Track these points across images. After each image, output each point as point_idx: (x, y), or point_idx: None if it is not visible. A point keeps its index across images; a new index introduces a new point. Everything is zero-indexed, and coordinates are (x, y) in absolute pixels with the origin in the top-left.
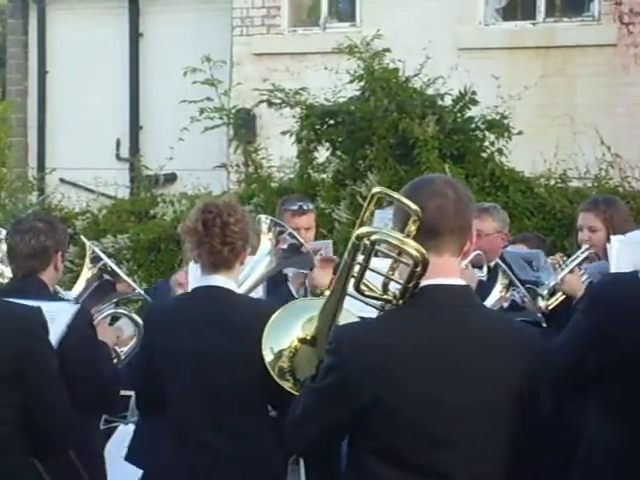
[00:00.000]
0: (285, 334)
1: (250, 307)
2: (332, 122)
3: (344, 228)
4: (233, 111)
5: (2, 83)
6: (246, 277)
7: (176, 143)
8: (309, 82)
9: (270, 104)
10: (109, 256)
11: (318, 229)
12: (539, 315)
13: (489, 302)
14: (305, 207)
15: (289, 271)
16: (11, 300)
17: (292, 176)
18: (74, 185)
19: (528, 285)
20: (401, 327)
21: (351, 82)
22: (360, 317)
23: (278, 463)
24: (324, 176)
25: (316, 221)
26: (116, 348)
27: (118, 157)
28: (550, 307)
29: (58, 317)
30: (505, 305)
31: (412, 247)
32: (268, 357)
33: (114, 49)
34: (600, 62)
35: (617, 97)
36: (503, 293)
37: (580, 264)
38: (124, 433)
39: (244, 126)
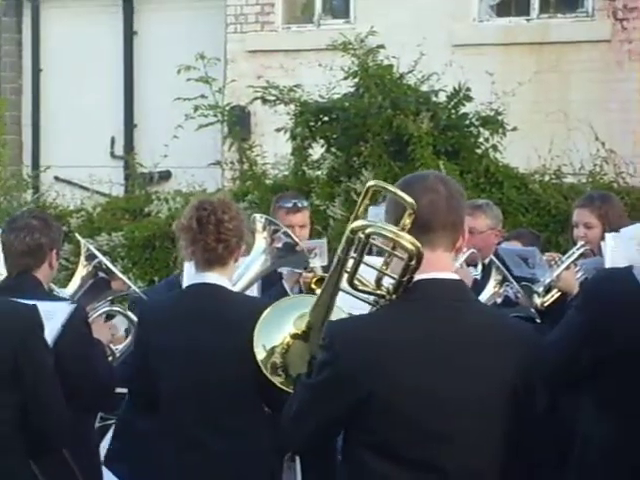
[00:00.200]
0: (277, 330)
1: (243, 304)
2: (326, 119)
3: (339, 225)
4: (227, 108)
5: None
6: (241, 276)
7: (170, 141)
8: (303, 79)
9: (264, 101)
10: (104, 254)
11: (313, 226)
12: (532, 311)
13: (483, 297)
14: (299, 205)
15: (284, 269)
16: (7, 298)
17: (287, 173)
18: (69, 183)
19: (523, 282)
20: (395, 322)
21: (345, 79)
22: (350, 314)
23: (272, 460)
24: (319, 173)
25: (311, 218)
26: (111, 346)
27: (113, 155)
28: (546, 304)
29: (54, 316)
30: (499, 301)
31: (407, 240)
32: (260, 354)
33: (108, 47)
34: (594, 58)
35: (611, 93)
36: (497, 289)
37: (575, 261)
38: None
39: (238, 123)
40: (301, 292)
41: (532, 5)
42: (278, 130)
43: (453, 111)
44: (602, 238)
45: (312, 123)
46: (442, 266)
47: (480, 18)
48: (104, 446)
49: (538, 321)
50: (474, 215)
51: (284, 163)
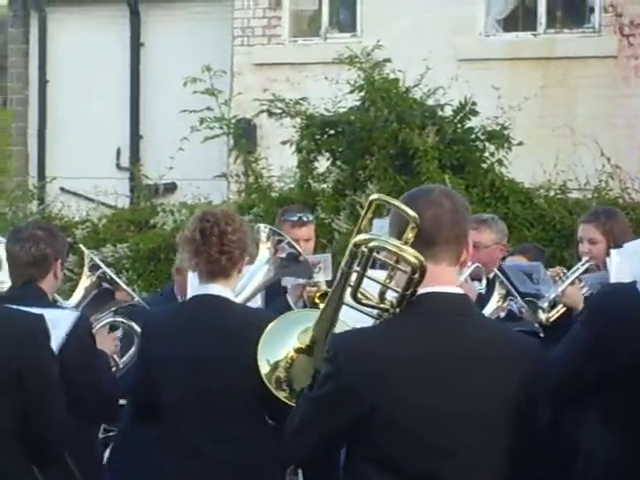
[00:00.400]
0: (281, 345)
1: (245, 315)
2: (332, 132)
3: (344, 238)
4: (233, 121)
5: (3, 92)
6: (244, 286)
7: (176, 153)
8: (309, 92)
9: (270, 114)
10: (108, 265)
11: (318, 239)
12: (536, 325)
13: (486, 312)
14: (305, 218)
15: (288, 283)
16: (12, 307)
17: (292, 186)
18: (74, 194)
19: (528, 298)
20: (398, 335)
21: (351, 92)
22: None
23: (273, 470)
24: (324, 186)
25: (316, 231)
26: (115, 357)
27: (118, 166)
28: (551, 319)
29: (59, 324)
30: (502, 315)
31: (410, 254)
32: (264, 369)
33: (115, 58)
34: (601, 74)
35: (617, 109)
36: (500, 303)
37: (580, 276)
38: None
39: (244, 136)
40: (305, 306)
41: (539, 20)
42: (284, 143)
43: (459, 125)
44: (607, 253)
45: (318, 136)
46: (446, 280)
47: (487, 33)
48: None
49: (542, 335)
50: (479, 229)
51: (290, 176)
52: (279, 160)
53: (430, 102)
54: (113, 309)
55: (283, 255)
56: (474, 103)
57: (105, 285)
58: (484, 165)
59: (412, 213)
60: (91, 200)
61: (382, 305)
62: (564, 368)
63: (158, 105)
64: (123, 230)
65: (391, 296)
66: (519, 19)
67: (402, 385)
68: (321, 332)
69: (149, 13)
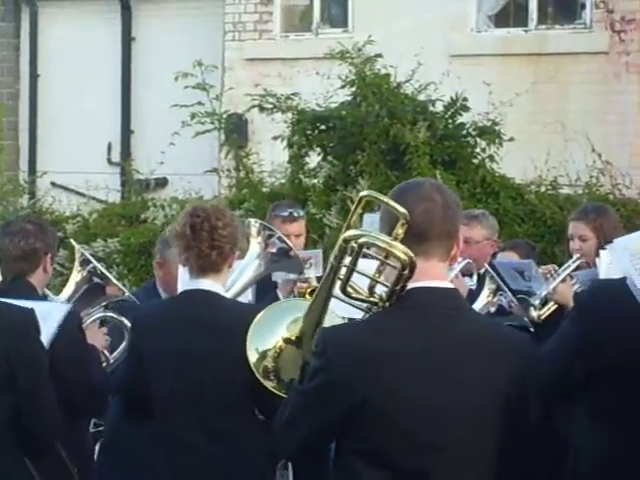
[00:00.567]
0: (270, 334)
1: (236, 310)
2: (323, 127)
3: (335, 233)
4: (224, 116)
5: None
6: (234, 281)
7: (167, 147)
8: (301, 87)
9: (262, 109)
10: (99, 260)
11: (309, 234)
12: (526, 320)
13: (476, 307)
14: (296, 214)
15: (278, 278)
16: (2, 300)
17: (283, 181)
18: (65, 189)
19: (520, 295)
20: (387, 330)
21: (343, 87)
22: (344, 317)
23: (264, 465)
24: (315, 181)
25: (307, 227)
26: (105, 352)
27: (109, 161)
28: (542, 317)
29: (50, 317)
30: (492, 310)
31: (400, 250)
32: (252, 357)
33: (106, 53)
34: (592, 70)
35: (608, 105)
36: (490, 298)
37: (571, 273)
38: None
39: (235, 131)
40: None
41: (530, 16)
42: (275, 138)
43: (450, 121)
44: (598, 250)
45: (309, 131)
46: (436, 275)
47: (478, 28)
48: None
49: (532, 330)
50: (470, 225)
51: (281, 171)
52: (270, 155)
53: (421, 98)
54: (104, 304)
55: (274, 250)
56: (465, 99)
57: (96, 280)
58: (475, 161)
59: (402, 210)
60: (82, 195)
61: (371, 299)
62: (554, 364)
63: (149, 100)
64: (114, 225)
65: (380, 290)
66: (510, 15)
67: (393, 379)
68: (310, 325)
69: (140, 8)
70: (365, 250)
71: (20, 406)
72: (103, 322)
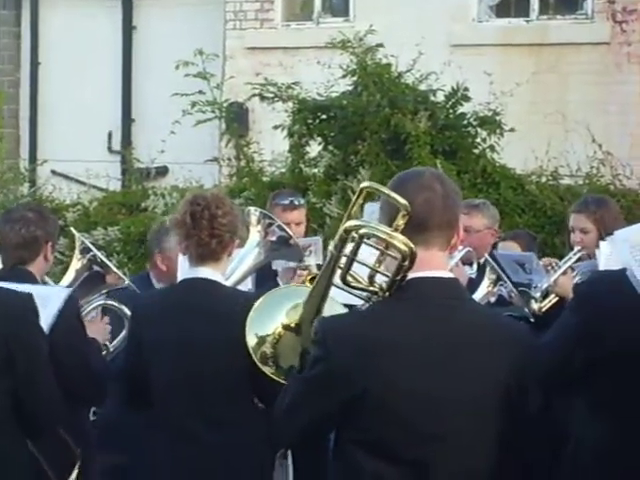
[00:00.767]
0: (269, 320)
1: (235, 298)
2: (324, 117)
3: (335, 223)
4: (225, 105)
5: None
6: (234, 269)
7: (168, 136)
8: (302, 76)
9: (262, 98)
10: (99, 248)
11: (309, 224)
12: (526, 310)
13: (476, 297)
14: (296, 202)
15: (278, 266)
16: (0, 286)
17: (284, 170)
18: (65, 177)
19: (521, 288)
20: (388, 320)
21: (344, 77)
22: (345, 305)
23: (263, 453)
24: (316, 171)
25: (307, 216)
26: (107, 342)
27: (110, 149)
28: (543, 309)
29: (49, 302)
30: (492, 300)
31: (400, 241)
32: (251, 341)
33: (107, 41)
34: (593, 60)
35: (610, 95)
36: (490, 288)
37: (572, 265)
38: None
39: (236, 120)
40: None
41: (531, 6)
42: (276, 127)
43: (451, 111)
44: (598, 242)
45: (310, 121)
46: (436, 265)
47: (479, 18)
48: None
49: (532, 320)
50: (471, 214)
51: (281, 160)
52: (271, 144)
53: (422, 87)
54: (104, 292)
55: (273, 238)
56: (466, 89)
57: (96, 268)
58: (476, 151)
59: (403, 201)
60: (82, 183)
61: (371, 288)
62: (554, 354)
63: (150, 88)
64: (114, 213)
65: (380, 279)
66: (512, 5)
67: (393, 369)
68: (309, 312)
69: None
70: (365, 240)
71: (19, 390)
72: (104, 310)
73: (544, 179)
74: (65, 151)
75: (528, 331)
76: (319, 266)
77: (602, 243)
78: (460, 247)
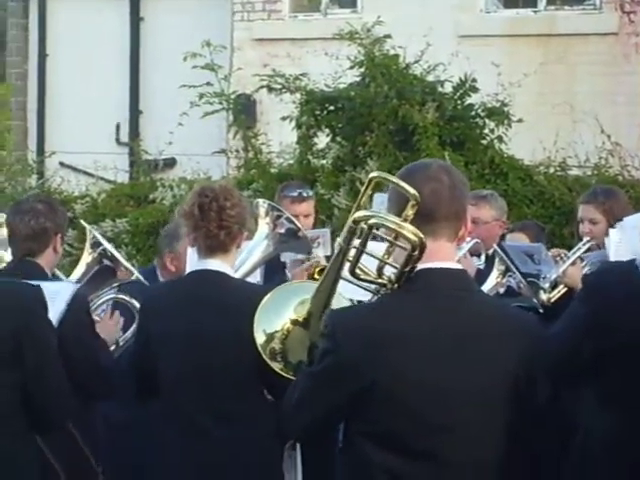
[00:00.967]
0: (277, 316)
1: (244, 290)
2: (332, 108)
3: (343, 214)
4: (233, 96)
5: (2, 66)
6: (243, 261)
7: (176, 128)
8: (309, 68)
9: (270, 89)
10: (108, 240)
11: (317, 215)
12: (535, 301)
13: (485, 288)
14: (305, 194)
15: (287, 258)
16: (10, 279)
17: (292, 162)
18: (74, 169)
19: (530, 278)
20: (396, 311)
21: (351, 68)
22: (352, 300)
23: (272, 447)
24: (324, 162)
25: (315, 207)
26: (118, 339)
27: (118, 141)
28: (552, 300)
29: (58, 296)
30: (501, 291)
31: (410, 231)
32: (260, 338)
33: (115, 33)
34: (601, 51)
35: (618, 86)
36: (499, 279)
37: (581, 256)
38: None
39: (244, 111)
40: None
41: None
42: (283, 119)
43: (459, 102)
44: (607, 233)
45: (318, 112)
46: (444, 256)
47: (487, 9)
48: None
49: (541, 311)
50: (478, 205)
51: (289, 152)
52: (279, 136)
53: (430, 78)
54: (115, 286)
55: (282, 230)
56: (474, 80)
57: (106, 262)
58: (484, 142)
59: (412, 191)
60: (90, 175)
61: (380, 280)
62: (563, 344)
63: (158, 80)
64: (122, 205)
65: (389, 271)
66: None
67: (402, 361)
68: (318, 305)
69: None
70: (374, 231)
71: (28, 384)
72: (115, 304)
73: (552, 170)
74: (73, 143)
75: (537, 322)
76: (327, 258)
77: (611, 230)
78: (468, 238)
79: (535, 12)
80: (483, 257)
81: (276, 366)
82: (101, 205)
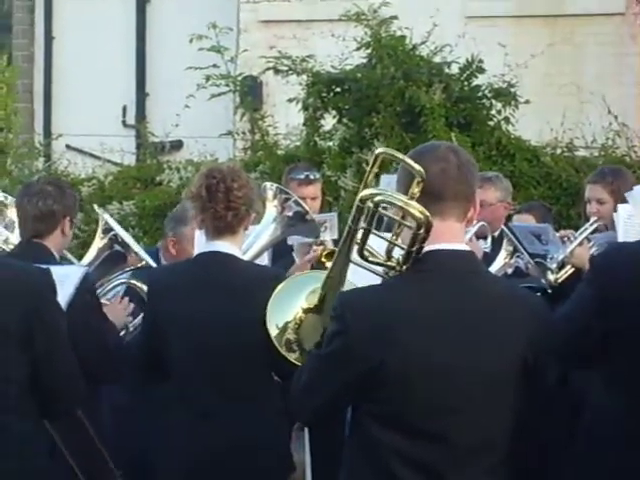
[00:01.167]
0: (289, 307)
1: (252, 272)
2: (339, 90)
3: (350, 196)
4: (239, 78)
5: (8, 49)
6: (251, 244)
7: (182, 110)
8: (316, 49)
9: (277, 71)
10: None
11: (324, 197)
12: (543, 281)
13: (493, 268)
14: (312, 176)
15: (294, 241)
16: (19, 262)
17: (298, 144)
18: (80, 151)
19: (537, 259)
20: (405, 292)
21: (358, 49)
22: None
23: (280, 428)
24: (330, 144)
25: (322, 189)
26: (128, 324)
27: (124, 124)
28: (559, 280)
29: (67, 280)
30: (509, 271)
31: (416, 209)
32: (273, 331)
33: (121, 15)
34: (608, 31)
35: (625, 66)
36: (507, 259)
37: (589, 236)
38: None
39: (250, 93)
40: (312, 267)
41: None
42: (290, 100)
43: (466, 83)
44: (616, 210)
45: (324, 94)
46: (452, 237)
47: None
48: None
49: (549, 292)
50: (483, 187)
51: (296, 134)
52: (285, 118)
53: (437, 60)
54: (126, 270)
55: (290, 214)
56: (481, 61)
57: (117, 247)
58: (491, 123)
59: (417, 167)
60: (97, 157)
61: (389, 263)
62: (571, 326)
63: (164, 62)
64: (129, 187)
65: (398, 254)
66: None
67: (411, 342)
68: (330, 289)
69: None
70: (381, 212)
71: (38, 368)
72: (127, 291)
73: (559, 151)
74: (80, 125)
75: (544, 304)
76: (335, 242)
77: (620, 206)
78: (474, 221)
79: None
80: (489, 240)
81: (292, 357)
82: (108, 188)
